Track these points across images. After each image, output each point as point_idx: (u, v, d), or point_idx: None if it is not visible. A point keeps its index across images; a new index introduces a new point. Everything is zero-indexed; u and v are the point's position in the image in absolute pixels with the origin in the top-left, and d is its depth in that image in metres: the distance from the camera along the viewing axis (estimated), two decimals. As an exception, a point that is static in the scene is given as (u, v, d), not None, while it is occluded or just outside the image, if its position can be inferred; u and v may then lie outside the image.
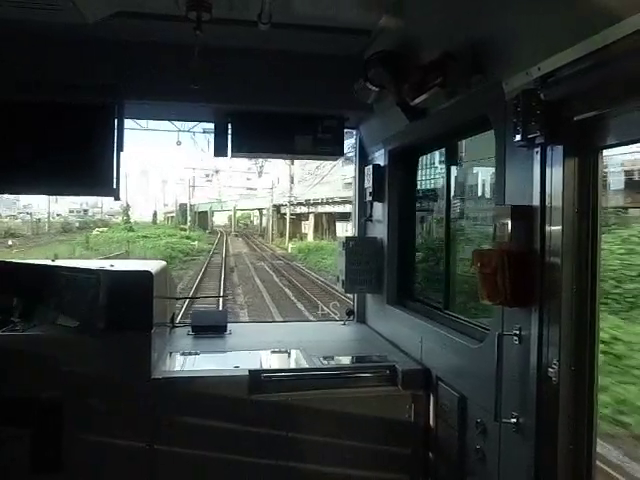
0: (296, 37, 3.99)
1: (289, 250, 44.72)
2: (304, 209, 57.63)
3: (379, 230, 4.77)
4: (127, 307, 3.47)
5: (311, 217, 55.39)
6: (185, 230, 63.40)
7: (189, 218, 73.15)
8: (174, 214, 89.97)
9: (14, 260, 4.48)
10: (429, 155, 4.57)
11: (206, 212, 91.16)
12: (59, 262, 4.58)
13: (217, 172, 76.49)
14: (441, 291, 4.00)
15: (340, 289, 5.19)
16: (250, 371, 3.53)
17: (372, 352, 4.16)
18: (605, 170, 2.92)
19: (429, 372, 3.62)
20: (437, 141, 3.99)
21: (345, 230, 31.66)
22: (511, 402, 2.62)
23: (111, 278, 3.64)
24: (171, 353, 3.99)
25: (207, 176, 78.71)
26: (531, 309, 2.52)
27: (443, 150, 4.15)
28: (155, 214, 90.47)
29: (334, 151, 4.73)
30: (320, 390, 3.60)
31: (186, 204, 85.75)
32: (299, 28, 3.85)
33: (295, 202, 56.96)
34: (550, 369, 2.41)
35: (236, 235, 75.22)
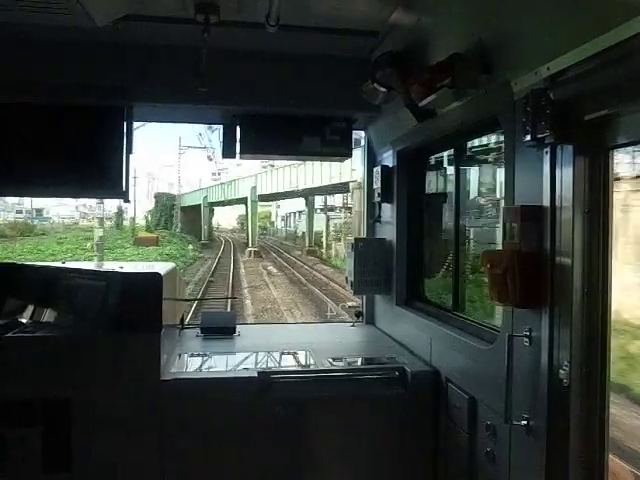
0: (304, 39, 4.00)
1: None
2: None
3: (388, 231, 4.76)
4: (136, 309, 3.48)
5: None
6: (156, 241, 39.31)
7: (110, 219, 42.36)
8: (164, 212, 56.76)
9: (25, 262, 4.52)
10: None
11: (198, 207, 56.71)
12: (69, 264, 4.62)
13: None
14: (451, 292, 3.98)
15: (349, 290, 5.18)
16: (259, 372, 3.53)
17: (381, 354, 4.15)
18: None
19: (438, 374, 3.60)
20: (446, 141, 3.97)
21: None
22: (522, 404, 2.60)
23: (120, 280, 3.66)
24: (180, 354, 4.00)
25: (213, 174, 61.18)
26: (541, 310, 2.50)
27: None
28: (119, 213, 54.28)
29: (342, 152, 4.75)
30: (329, 391, 3.59)
31: (167, 195, 55.77)
32: (307, 30, 3.86)
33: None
34: (561, 371, 2.39)
35: (257, 252, 41.33)
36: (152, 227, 53.36)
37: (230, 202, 58.79)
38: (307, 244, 45.14)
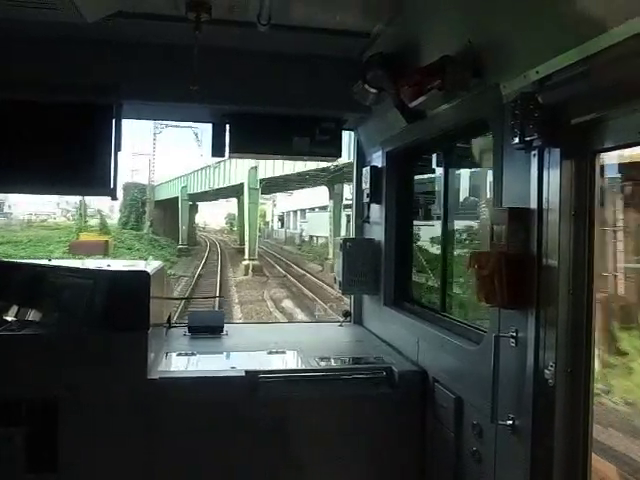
0: (295, 39, 4.00)
1: None
2: None
3: (376, 232, 4.78)
4: (124, 307, 3.46)
5: None
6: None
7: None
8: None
9: (10, 259, 4.47)
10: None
11: (175, 200, 44.63)
12: (56, 262, 4.57)
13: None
14: (438, 293, 4.01)
15: (337, 290, 5.19)
16: (247, 372, 3.53)
17: (369, 353, 4.16)
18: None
19: (426, 374, 3.63)
20: (435, 143, 4.00)
21: None
22: (507, 404, 2.63)
23: (108, 278, 3.64)
24: (167, 353, 3.99)
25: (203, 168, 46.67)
26: (527, 311, 2.53)
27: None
28: (82, 208, 41.26)
29: (332, 152, 4.75)
30: (316, 391, 3.60)
31: (139, 187, 43.03)
32: (298, 30, 3.86)
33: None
34: (546, 371, 2.42)
35: (257, 268, 29.17)
36: (120, 226, 43.27)
37: (218, 194, 44.11)
38: (331, 254, 29.16)
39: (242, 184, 33.67)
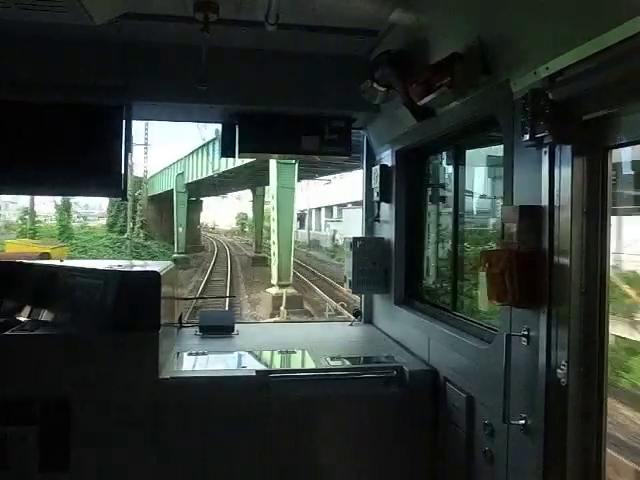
0: (303, 38, 4.00)
1: None
2: None
3: (386, 231, 4.76)
4: (135, 307, 3.48)
5: None
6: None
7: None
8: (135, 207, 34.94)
9: (23, 260, 4.52)
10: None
11: (170, 195, 35.01)
12: (67, 262, 4.61)
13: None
14: (449, 292, 3.99)
15: (347, 289, 5.19)
16: (257, 371, 3.53)
17: (379, 353, 4.15)
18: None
19: (436, 373, 3.61)
20: (445, 141, 3.98)
21: None
22: (519, 403, 2.60)
23: (119, 278, 3.66)
24: (178, 353, 4.00)
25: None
26: (539, 310, 2.50)
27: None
28: (66, 208, 36.07)
29: (341, 151, 4.75)
30: (327, 391, 3.59)
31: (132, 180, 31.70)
32: (306, 28, 3.85)
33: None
34: (559, 370, 2.39)
35: (294, 299, 18.50)
36: (106, 228, 37.32)
37: (224, 184, 32.66)
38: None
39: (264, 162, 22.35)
